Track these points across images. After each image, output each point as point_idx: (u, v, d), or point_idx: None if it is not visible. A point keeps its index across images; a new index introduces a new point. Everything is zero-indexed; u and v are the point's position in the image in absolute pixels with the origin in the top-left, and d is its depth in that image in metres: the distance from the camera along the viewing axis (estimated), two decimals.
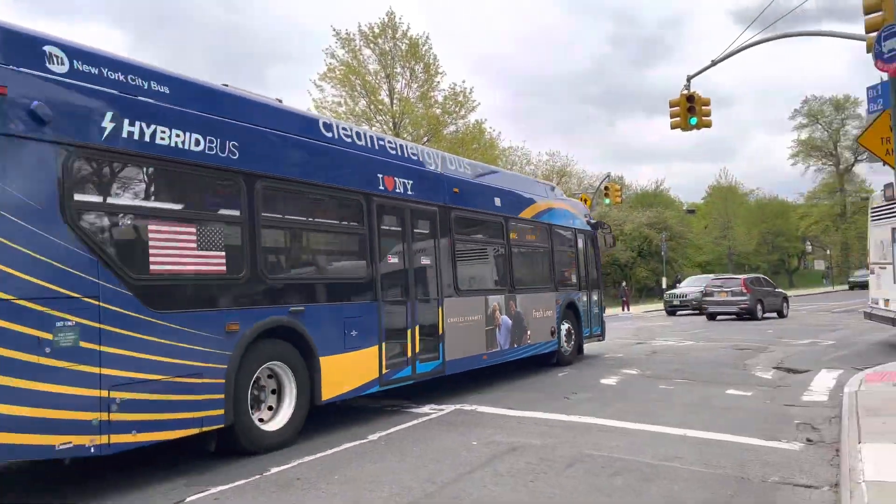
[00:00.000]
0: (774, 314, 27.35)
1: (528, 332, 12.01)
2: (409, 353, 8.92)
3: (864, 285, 55.66)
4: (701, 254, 69.80)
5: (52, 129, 5.20)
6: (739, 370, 12.20)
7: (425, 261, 9.61)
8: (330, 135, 8.22)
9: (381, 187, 8.74)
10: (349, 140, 8.51)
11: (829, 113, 75.15)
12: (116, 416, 5.39)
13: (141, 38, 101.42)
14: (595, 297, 15.18)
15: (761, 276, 31.40)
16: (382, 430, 7.68)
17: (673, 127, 17.68)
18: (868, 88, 8.99)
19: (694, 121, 17.38)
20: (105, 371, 5.31)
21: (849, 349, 15.03)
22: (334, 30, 35.62)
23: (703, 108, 17.54)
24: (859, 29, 11.38)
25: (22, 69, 5.12)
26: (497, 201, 11.57)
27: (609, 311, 37.61)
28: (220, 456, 6.64)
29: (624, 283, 43.06)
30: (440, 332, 9.55)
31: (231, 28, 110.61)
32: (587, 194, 35.73)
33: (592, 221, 15.82)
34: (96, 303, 5.31)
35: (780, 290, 29.87)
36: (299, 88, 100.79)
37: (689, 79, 17.51)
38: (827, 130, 76.10)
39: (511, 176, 13.85)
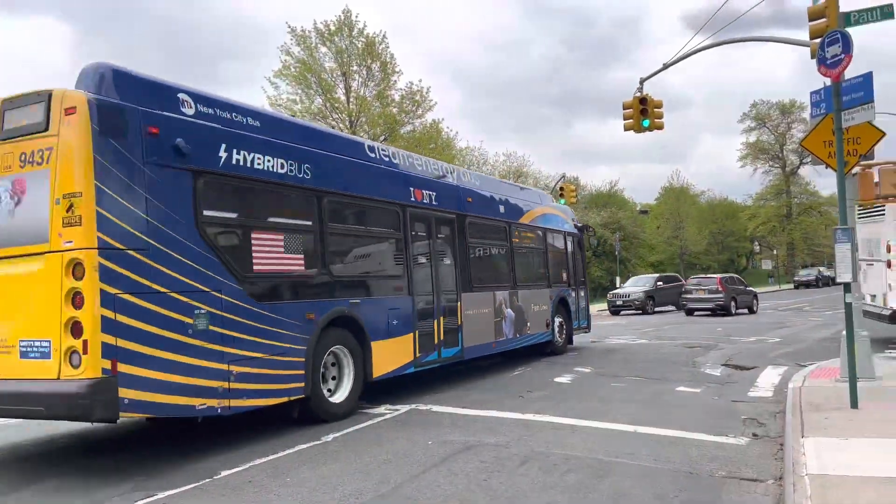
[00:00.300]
0: (746, 310, 28.84)
1: (528, 324, 13.42)
2: (436, 340, 10.37)
3: (808, 284, 57.97)
4: (654, 253, 71.16)
5: (188, 160, 6.57)
6: (689, 367, 12.45)
7: (446, 261, 11.04)
8: (373, 155, 9.73)
9: (413, 199, 10.24)
10: (387, 159, 10.02)
11: (776, 117, 77.49)
12: (234, 385, 6.76)
13: (89, 31, 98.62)
14: (582, 294, 16.54)
15: (735, 275, 32.91)
16: (337, 431, 7.61)
17: (626, 129, 17.92)
18: (812, 93, 9.26)
19: (646, 123, 17.66)
20: (225, 349, 6.69)
21: (794, 346, 15.49)
22: (290, 27, 35.23)
23: (656, 110, 17.83)
24: (805, 35, 11.72)
25: (166, 113, 6.50)
26: (501, 208, 13.08)
27: None
28: (178, 456, 6.52)
29: None
30: (459, 322, 10.95)
31: (183, 23, 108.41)
32: None
33: (579, 225, 17.09)
34: (219, 295, 6.71)
35: (751, 288, 31.55)
36: (254, 85, 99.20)
37: (641, 81, 17.79)
38: (774, 134, 78.46)
39: (511, 185, 15.55)
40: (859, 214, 15.42)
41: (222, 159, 6.96)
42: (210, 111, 7.05)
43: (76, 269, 5.64)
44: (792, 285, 63.64)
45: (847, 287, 8.02)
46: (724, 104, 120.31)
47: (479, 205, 12.18)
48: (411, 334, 9.71)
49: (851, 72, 8.38)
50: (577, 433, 7.30)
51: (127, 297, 5.83)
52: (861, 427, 6.72)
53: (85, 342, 5.57)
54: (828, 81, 8.37)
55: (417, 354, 9.84)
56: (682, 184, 77.93)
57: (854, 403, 7.65)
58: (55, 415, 6.06)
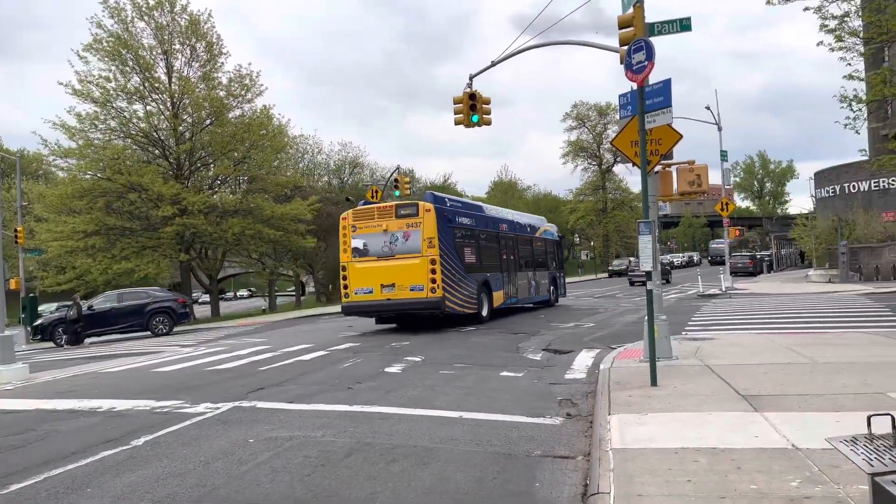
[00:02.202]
0: (664, 280, 40.09)
1: (540, 290, 25.44)
2: (510, 294, 21.73)
3: (620, 273, 63.11)
4: None
5: (451, 223, 18.28)
6: (513, 353, 13.04)
7: (511, 256, 22.53)
8: (485, 210, 21.47)
9: (499, 228, 21.82)
10: (490, 211, 22.11)
11: (594, 117, 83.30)
12: (463, 302, 18.27)
13: None
14: (561, 274, 28.86)
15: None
16: (149, 433, 7.09)
17: (457, 123, 18.36)
18: (620, 96, 9.96)
19: (476, 118, 18.20)
20: (461, 289, 18.17)
21: (606, 330, 16.75)
22: None
23: (484, 106, 18.43)
24: (616, 42, 12.60)
25: (444, 206, 18.20)
26: (528, 228, 25.29)
27: None
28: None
29: None
30: (516, 286, 22.43)
31: None
32: (378, 186, 36.09)
33: (560, 235, 29.80)
34: (459, 271, 18.19)
35: (668, 265, 48.41)
36: (58, 58, 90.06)
37: (471, 78, 18.28)
38: (592, 133, 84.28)
39: (530, 216, 27.72)
40: None
41: (457, 220, 18.24)
42: (451, 202, 19.06)
43: (433, 262, 16.90)
44: (606, 274, 68.90)
45: (649, 275, 8.76)
46: (549, 103, 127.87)
47: (520, 228, 24.31)
48: (503, 290, 21.22)
49: (656, 77, 9.12)
50: (404, 422, 7.36)
51: (444, 270, 17.03)
52: (658, 403, 7.39)
53: (438, 286, 16.93)
54: (634, 86, 9.05)
55: (504, 300, 21.27)
56: (510, 178, 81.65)
57: (654, 381, 8.39)
58: (427, 309, 17.29)
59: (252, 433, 6.98)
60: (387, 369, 11.30)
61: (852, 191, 44.94)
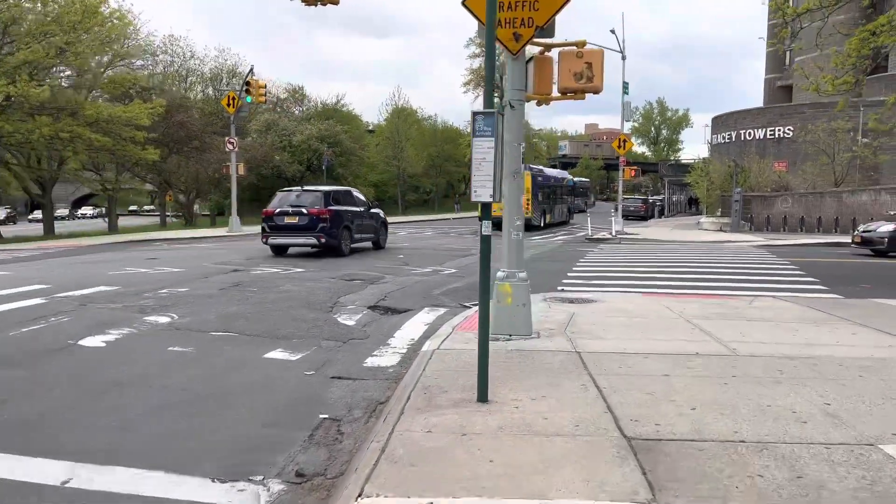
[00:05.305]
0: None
1: (563, 213, 43.34)
2: (553, 215, 40.54)
3: None
4: (375, 173, 69.10)
5: (535, 180, 34.89)
6: (322, 313, 9.19)
7: (553, 195, 41.00)
8: (546, 172, 41.26)
9: (549, 182, 40.24)
10: (548, 172, 42.39)
11: (498, 45, 78.76)
12: (538, 219, 35.82)
13: None
14: (575, 205, 51.67)
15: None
16: None
17: None
18: None
19: None
20: (537, 213, 35.09)
21: (467, 279, 13.26)
22: None
23: None
24: None
25: (531, 171, 34.83)
26: (562, 179, 44.67)
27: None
28: None
29: None
30: (554, 211, 40.62)
31: None
32: (234, 92, 30.68)
33: (573, 182, 51.82)
34: (538, 204, 35.81)
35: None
36: None
37: None
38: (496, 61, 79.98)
39: (561, 171, 51.79)
40: None
41: (537, 179, 35.18)
42: (535, 169, 36.73)
43: (528, 200, 32.54)
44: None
45: (485, 211, 4.99)
46: (459, 33, 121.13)
47: (557, 180, 42.24)
48: (550, 214, 38.89)
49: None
50: None
51: (533, 204, 33.76)
52: (469, 465, 3.72)
53: (529, 211, 32.31)
54: None
55: (550, 219, 38.63)
56: (404, 103, 76.06)
57: (482, 395, 4.81)
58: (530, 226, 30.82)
59: None
60: (83, 341, 7.06)
61: (748, 138, 43.55)
